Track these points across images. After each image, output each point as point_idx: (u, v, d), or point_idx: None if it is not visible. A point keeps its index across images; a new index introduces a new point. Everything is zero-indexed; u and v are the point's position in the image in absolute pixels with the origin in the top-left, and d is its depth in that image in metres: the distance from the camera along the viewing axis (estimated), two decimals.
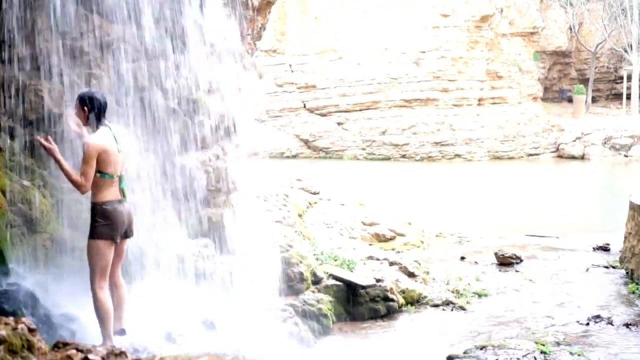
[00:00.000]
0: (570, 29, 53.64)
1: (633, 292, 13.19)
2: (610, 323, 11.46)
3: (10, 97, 7.88)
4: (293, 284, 10.88)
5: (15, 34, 7.82)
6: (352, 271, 12.28)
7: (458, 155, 40.38)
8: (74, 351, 4.83)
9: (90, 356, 4.73)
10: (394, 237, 16.78)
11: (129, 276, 8.30)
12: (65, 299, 7.59)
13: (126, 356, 5.18)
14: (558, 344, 10.37)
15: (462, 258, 15.99)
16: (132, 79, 8.85)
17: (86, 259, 7.39)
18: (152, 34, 9.12)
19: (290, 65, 42.17)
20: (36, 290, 7.32)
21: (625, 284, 13.79)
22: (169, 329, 8.10)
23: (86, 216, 7.54)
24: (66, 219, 8.23)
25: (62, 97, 8.27)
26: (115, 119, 8.17)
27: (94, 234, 7.30)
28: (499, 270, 14.97)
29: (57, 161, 7.14)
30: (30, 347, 4.72)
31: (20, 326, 4.67)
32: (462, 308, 12.41)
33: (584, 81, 53.88)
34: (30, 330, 4.88)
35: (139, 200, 8.84)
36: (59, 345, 4.97)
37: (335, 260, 12.62)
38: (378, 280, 12.02)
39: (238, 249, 10.39)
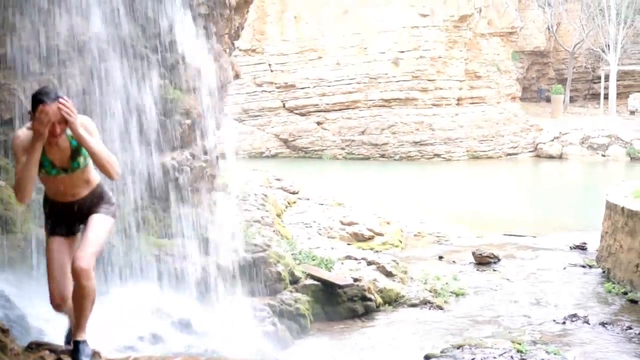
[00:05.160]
0: (549, 29, 53.81)
1: (609, 291, 13.26)
2: (587, 322, 11.53)
3: None
4: (271, 284, 10.87)
5: None
6: (330, 271, 12.29)
7: (437, 155, 40.43)
8: (47, 352, 4.82)
9: (63, 357, 4.72)
10: (373, 237, 16.81)
11: (106, 277, 8.27)
12: (39, 300, 7.53)
13: (100, 356, 5.17)
14: (534, 342, 10.42)
15: (440, 257, 16.04)
16: (108, 78, 8.82)
17: None
18: (129, 34, 9.09)
19: (269, 65, 42.07)
20: (10, 290, 7.28)
21: (602, 283, 13.87)
22: (145, 329, 8.07)
23: None
24: (42, 219, 8.17)
25: None
26: (93, 119, 8.12)
27: (109, 213, 6.07)
28: (477, 270, 15.02)
29: (84, 140, 5.64)
30: (2, 347, 4.70)
31: None
32: (440, 307, 12.44)
33: (562, 81, 54.08)
34: (3, 331, 4.86)
35: (118, 200, 8.81)
36: (32, 346, 4.95)
37: (314, 259, 12.62)
38: (356, 280, 12.03)
39: (215, 248, 10.37)
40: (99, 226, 5.80)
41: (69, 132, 5.53)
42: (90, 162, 5.71)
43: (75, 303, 5.66)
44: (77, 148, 5.64)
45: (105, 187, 6.01)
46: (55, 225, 5.90)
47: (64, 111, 5.42)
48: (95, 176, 5.89)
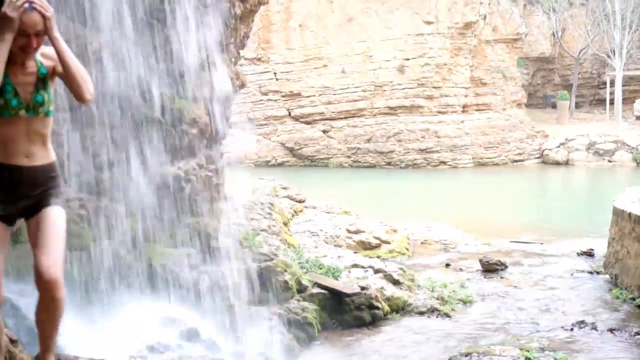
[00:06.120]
0: (554, 35, 53.76)
1: (617, 297, 13.24)
2: (595, 328, 11.50)
3: None
4: (278, 293, 10.86)
5: None
6: (337, 279, 12.28)
7: (443, 162, 40.46)
8: None
9: None
10: (379, 245, 16.80)
11: (113, 287, 8.28)
12: None
13: None
14: (542, 349, 10.41)
15: (447, 265, 16.02)
16: (116, 88, 8.84)
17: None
18: (136, 43, 9.11)
19: (275, 74, 42.16)
20: (19, 300, 7.29)
21: (610, 289, 13.84)
22: (152, 339, 8.08)
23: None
24: None
25: None
26: (98, 129, 8.16)
27: (63, 204, 5.04)
28: (484, 277, 15.00)
29: (59, 42, 4.71)
30: (11, 357, 4.70)
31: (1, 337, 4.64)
32: (447, 315, 12.42)
33: (568, 87, 54.05)
34: (12, 342, 4.87)
35: (123, 209, 8.83)
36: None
37: (320, 268, 12.61)
38: (363, 288, 12.01)
39: (222, 257, 10.38)
40: (61, 223, 4.86)
41: (37, 57, 4.75)
42: (51, 118, 4.82)
43: (45, 320, 4.80)
44: (44, 79, 4.78)
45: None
46: None
47: (42, 11, 4.57)
48: (52, 150, 4.89)
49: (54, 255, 4.69)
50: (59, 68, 4.75)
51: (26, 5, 4.47)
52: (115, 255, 8.35)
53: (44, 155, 4.78)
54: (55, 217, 4.81)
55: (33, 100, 4.68)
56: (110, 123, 8.56)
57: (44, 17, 4.54)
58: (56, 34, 4.60)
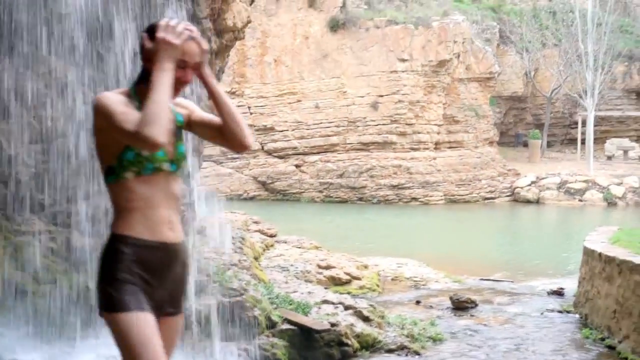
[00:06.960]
0: (526, 75, 54.26)
1: (587, 337, 13.27)
2: None
3: None
4: (247, 328, 10.81)
5: None
6: (307, 315, 12.23)
7: (414, 199, 40.61)
8: None
9: None
10: (350, 281, 16.79)
11: (82, 319, 8.21)
12: (15, 344, 7.49)
13: None
14: None
15: (418, 302, 16.02)
16: (88, 121, 8.82)
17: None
18: (110, 78, 9.11)
19: (249, 108, 42.25)
20: None
21: (580, 328, 13.88)
22: None
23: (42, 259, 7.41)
24: (19, 262, 8.13)
25: (18, 138, 8.22)
26: (71, 161, 8.13)
27: None
28: (454, 315, 15.01)
29: (212, 81, 4.17)
30: None
31: None
32: (417, 353, 12.38)
33: (540, 126, 54.50)
34: None
35: (96, 242, 8.77)
36: None
37: (290, 304, 12.55)
38: (333, 325, 11.97)
39: (193, 292, 10.32)
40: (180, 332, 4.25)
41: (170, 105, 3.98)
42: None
43: None
44: (181, 128, 4.18)
45: None
46: (135, 294, 3.90)
47: (200, 41, 4.01)
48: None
49: None
50: (194, 117, 4.27)
51: (187, 32, 4.00)
52: (85, 289, 8.28)
53: (180, 228, 4.09)
54: (179, 329, 4.34)
55: (176, 151, 4.12)
56: (83, 156, 8.53)
57: (200, 49, 4.05)
58: (208, 71, 4.11)
